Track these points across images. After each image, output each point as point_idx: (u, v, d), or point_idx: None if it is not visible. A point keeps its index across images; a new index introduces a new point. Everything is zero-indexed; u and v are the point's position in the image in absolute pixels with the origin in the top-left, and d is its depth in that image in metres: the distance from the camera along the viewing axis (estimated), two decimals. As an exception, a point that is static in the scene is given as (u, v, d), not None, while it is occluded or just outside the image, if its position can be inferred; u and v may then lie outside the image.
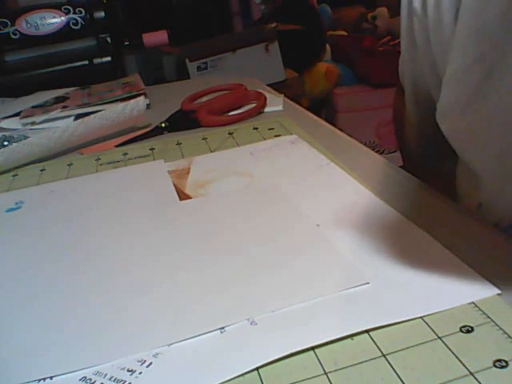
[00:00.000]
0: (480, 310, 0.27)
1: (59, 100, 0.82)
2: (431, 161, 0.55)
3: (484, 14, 0.31)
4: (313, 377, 0.25)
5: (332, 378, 0.24)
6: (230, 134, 0.61)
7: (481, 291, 0.28)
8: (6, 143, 0.65)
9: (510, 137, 0.33)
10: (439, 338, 0.26)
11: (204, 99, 0.71)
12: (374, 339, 0.26)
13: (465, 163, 0.40)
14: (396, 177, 0.45)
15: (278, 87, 0.86)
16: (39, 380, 0.27)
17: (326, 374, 0.25)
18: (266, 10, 1.86)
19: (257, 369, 0.25)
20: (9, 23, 0.92)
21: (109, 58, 0.96)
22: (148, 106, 0.72)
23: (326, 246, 0.35)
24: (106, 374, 0.26)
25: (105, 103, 0.76)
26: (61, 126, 0.61)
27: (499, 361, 0.24)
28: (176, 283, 0.33)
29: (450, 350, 0.25)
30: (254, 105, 0.67)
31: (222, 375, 0.25)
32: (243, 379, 0.25)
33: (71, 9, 0.93)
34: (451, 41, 0.35)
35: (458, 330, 0.26)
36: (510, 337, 0.25)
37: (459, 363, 0.24)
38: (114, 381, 0.26)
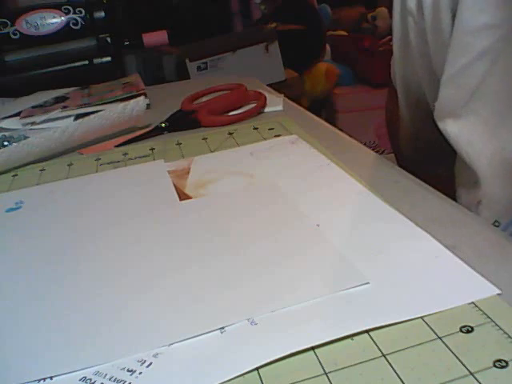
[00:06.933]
0: (480, 309, 0.27)
1: (59, 100, 0.82)
2: (425, 163, 0.55)
3: (485, 12, 0.31)
4: (313, 377, 0.25)
5: (332, 378, 0.24)
6: (229, 134, 0.61)
7: (481, 291, 0.28)
8: (6, 143, 0.65)
9: (509, 134, 0.34)
10: (439, 338, 0.26)
11: (204, 99, 0.71)
12: (374, 339, 0.26)
13: (464, 161, 0.40)
14: (396, 177, 0.45)
15: (277, 87, 0.86)
16: (39, 380, 0.27)
17: (325, 374, 0.25)
18: (266, 10, 1.86)
19: (257, 369, 0.25)
20: (9, 23, 0.92)
21: (109, 58, 0.96)
22: (148, 105, 0.72)
23: (325, 246, 0.35)
24: (106, 374, 0.26)
25: (105, 103, 0.76)
26: (61, 126, 0.61)
27: (499, 361, 0.24)
28: (176, 283, 0.33)
29: (450, 350, 0.25)
30: (254, 105, 0.67)
31: (222, 375, 0.25)
32: (243, 379, 0.25)
33: (71, 9, 0.93)
34: (449, 40, 0.35)
35: (458, 330, 0.26)
36: (509, 337, 0.25)
37: (459, 363, 0.24)
38: (114, 381, 0.26)
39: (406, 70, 0.46)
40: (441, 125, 0.38)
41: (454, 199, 0.44)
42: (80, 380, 0.26)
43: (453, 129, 0.38)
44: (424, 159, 0.55)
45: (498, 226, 0.39)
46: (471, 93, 0.34)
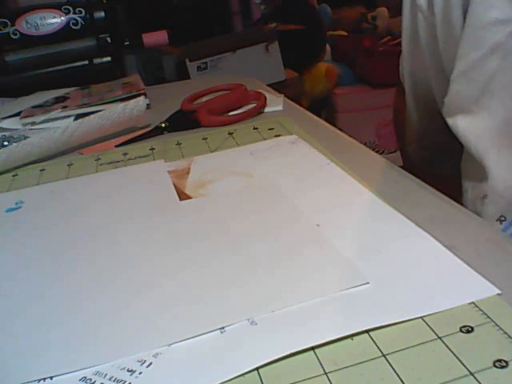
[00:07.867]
0: (480, 310, 0.27)
1: (59, 100, 0.82)
2: (431, 163, 0.55)
3: (496, 7, 0.32)
4: (313, 377, 0.25)
5: (332, 378, 0.24)
6: (229, 134, 0.61)
7: (481, 291, 0.28)
8: (6, 143, 0.65)
9: None
10: (439, 337, 0.26)
11: (204, 99, 0.71)
12: (374, 339, 0.26)
13: (471, 156, 0.40)
14: (396, 177, 0.45)
15: (278, 87, 0.86)
16: (39, 380, 0.27)
17: (325, 374, 0.25)
18: (266, 10, 1.86)
19: (257, 369, 0.25)
20: (9, 23, 0.91)
21: (109, 58, 0.96)
22: (148, 106, 0.72)
23: (325, 246, 0.35)
24: (106, 374, 0.26)
25: (105, 103, 0.76)
26: (61, 126, 0.61)
27: (499, 361, 0.24)
28: (176, 283, 0.33)
29: (450, 350, 0.25)
30: (253, 105, 0.67)
31: (222, 375, 0.25)
32: (243, 379, 0.25)
33: (71, 9, 0.93)
34: (460, 35, 0.35)
35: (458, 330, 0.26)
36: (510, 337, 0.25)
37: (459, 363, 0.24)
38: (114, 381, 0.26)
39: (415, 66, 0.46)
40: (450, 120, 0.38)
41: (455, 199, 0.44)
42: (80, 380, 0.26)
43: (462, 123, 0.38)
44: (429, 158, 0.55)
45: (503, 221, 0.39)
46: (482, 88, 0.34)
